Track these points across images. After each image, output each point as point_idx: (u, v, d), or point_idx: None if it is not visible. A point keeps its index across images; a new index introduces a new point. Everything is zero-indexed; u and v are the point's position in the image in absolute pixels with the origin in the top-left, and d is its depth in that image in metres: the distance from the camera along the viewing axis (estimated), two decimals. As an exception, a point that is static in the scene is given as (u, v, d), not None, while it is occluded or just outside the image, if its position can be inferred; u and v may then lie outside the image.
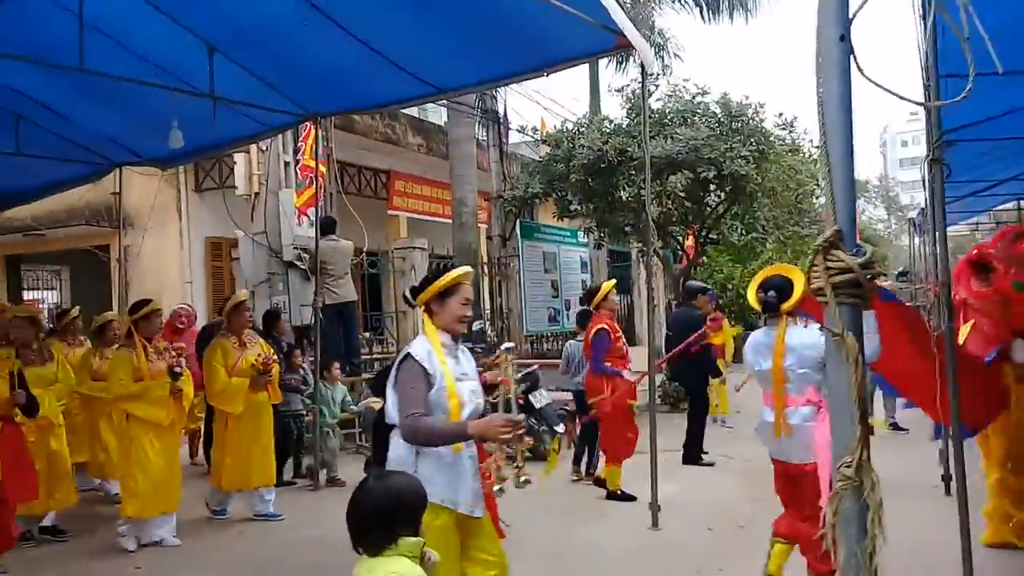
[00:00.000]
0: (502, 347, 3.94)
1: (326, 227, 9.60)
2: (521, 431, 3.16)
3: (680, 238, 14.41)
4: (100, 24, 5.50)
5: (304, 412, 8.35)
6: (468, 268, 3.52)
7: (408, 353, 3.22)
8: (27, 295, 14.55)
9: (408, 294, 3.46)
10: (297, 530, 6.55)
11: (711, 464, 8.57)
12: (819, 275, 1.61)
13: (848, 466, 1.54)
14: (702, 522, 6.34)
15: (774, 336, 4.41)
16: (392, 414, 3.27)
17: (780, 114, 13.13)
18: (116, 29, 5.66)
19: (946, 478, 6.57)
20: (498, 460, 3.49)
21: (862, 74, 1.60)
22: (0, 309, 7.20)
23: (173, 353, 6.25)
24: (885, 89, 1.64)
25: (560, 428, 8.97)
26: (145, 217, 11.88)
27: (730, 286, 19.37)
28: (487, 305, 14.29)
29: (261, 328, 8.04)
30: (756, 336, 4.64)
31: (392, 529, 2.17)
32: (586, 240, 15.58)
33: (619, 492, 7.19)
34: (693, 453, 8.60)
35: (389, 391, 3.30)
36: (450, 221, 14.27)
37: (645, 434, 6.81)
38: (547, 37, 5.72)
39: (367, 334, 12.24)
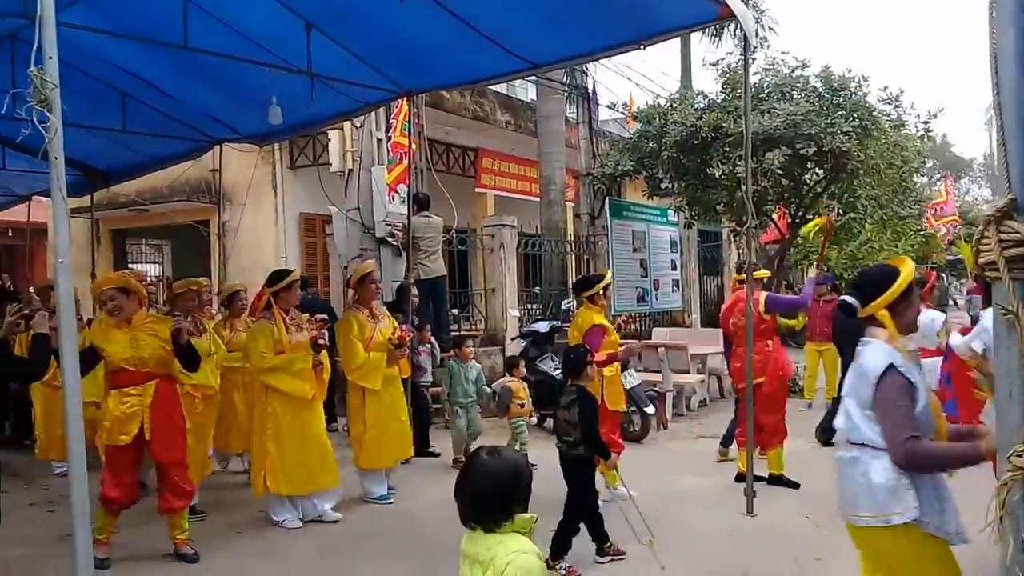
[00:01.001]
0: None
1: (421, 203, 9.66)
2: None
3: (775, 217, 13.99)
4: (202, 2, 5.62)
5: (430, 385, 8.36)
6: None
7: (891, 364, 2.85)
8: (131, 268, 15.11)
9: (853, 303, 3.05)
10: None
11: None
12: (991, 248, 1.45)
13: (1019, 455, 1.40)
14: (799, 509, 6.14)
15: None
16: (867, 434, 2.93)
17: (885, 87, 12.51)
18: (217, 7, 5.76)
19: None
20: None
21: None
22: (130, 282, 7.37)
23: (315, 325, 6.07)
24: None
25: (650, 409, 8.84)
26: (242, 193, 12.21)
27: (825, 268, 18.73)
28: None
29: (385, 303, 7.96)
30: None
31: (510, 505, 2.15)
32: (676, 219, 15.30)
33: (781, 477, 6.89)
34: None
35: (852, 408, 3.00)
36: (537, 199, 14.21)
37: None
38: (646, 8, 5.56)
39: (454, 311, 12.29)
